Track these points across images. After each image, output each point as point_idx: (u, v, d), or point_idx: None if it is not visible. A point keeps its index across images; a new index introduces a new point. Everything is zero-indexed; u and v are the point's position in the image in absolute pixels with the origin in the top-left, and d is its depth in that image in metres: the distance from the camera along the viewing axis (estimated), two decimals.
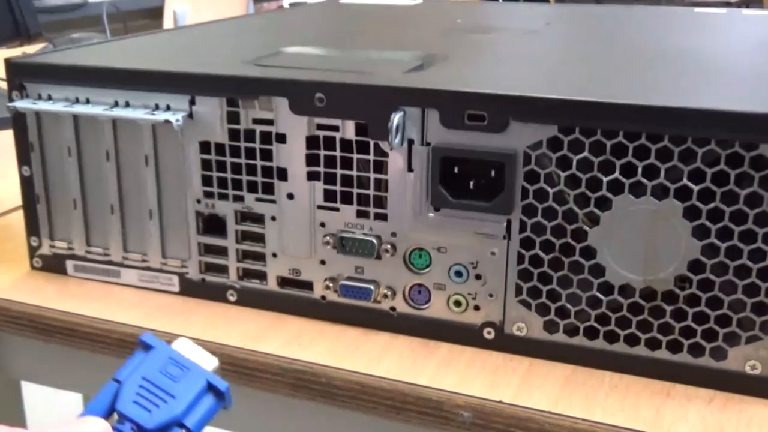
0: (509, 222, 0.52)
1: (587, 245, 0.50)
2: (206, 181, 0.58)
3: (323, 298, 0.58)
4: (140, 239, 0.62)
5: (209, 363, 0.39)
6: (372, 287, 0.56)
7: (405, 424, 0.51)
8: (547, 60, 0.65)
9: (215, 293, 0.61)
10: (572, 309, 0.52)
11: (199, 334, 0.56)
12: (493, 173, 0.51)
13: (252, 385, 0.54)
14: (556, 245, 0.51)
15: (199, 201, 0.59)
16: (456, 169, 0.52)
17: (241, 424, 0.59)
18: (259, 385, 0.54)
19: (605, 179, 0.48)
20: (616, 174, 0.48)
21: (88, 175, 0.62)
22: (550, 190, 0.50)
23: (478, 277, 0.54)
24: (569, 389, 0.50)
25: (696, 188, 0.47)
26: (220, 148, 0.57)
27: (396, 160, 0.53)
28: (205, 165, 0.58)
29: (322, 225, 0.56)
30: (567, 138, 0.49)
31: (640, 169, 0.48)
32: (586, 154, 0.49)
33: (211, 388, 0.38)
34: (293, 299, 0.59)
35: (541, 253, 0.51)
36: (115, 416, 0.36)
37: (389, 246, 0.55)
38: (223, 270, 0.60)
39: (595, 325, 0.52)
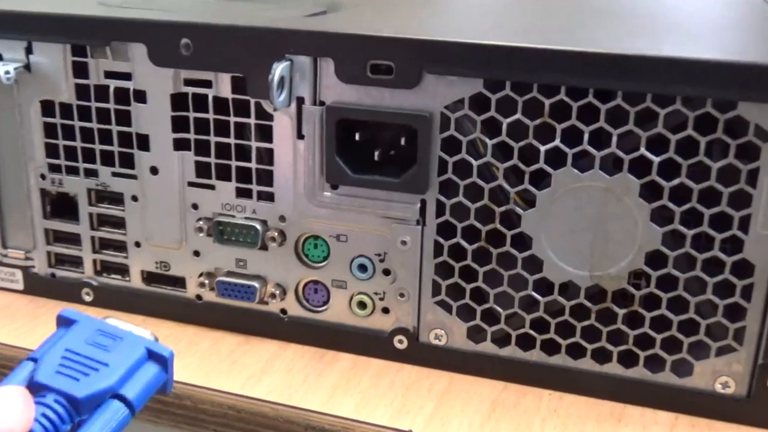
0: (424, 203, 0.41)
1: (521, 232, 0.40)
2: (51, 151, 0.47)
3: (198, 297, 0.47)
4: None
5: (144, 334, 0.32)
6: (257, 285, 0.45)
7: None
8: (482, 8, 0.55)
9: (67, 292, 0.49)
10: (502, 313, 0.42)
11: None
12: (403, 141, 0.41)
13: None
14: (482, 233, 0.40)
15: (43, 176, 0.47)
16: (357, 136, 0.41)
17: None
18: None
19: (543, 149, 0.38)
20: (557, 142, 0.38)
21: None
22: (475, 163, 0.39)
23: (386, 272, 0.43)
24: (498, 413, 0.40)
25: (657, 160, 0.37)
26: (66, 110, 0.46)
27: (282, 125, 0.42)
28: (49, 131, 0.46)
29: (195, 207, 0.45)
30: (495, 95, 0.38)
31: (586, 136, 0.37)
32: (519, 116, 0.38)
33: (151, 356, 0.31)
34: (161, 299, 0.47)
35: (464, 243, 0.41)
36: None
37: (277, 233, 0.44)
38: (76, 263, 0.49)
39: (531, 332, 0.41)
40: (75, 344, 0.30)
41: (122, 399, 0.29)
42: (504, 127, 0.38)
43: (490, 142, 0.39)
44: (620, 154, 0.37)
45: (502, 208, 0.40)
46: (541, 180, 0.39)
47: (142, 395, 0.30)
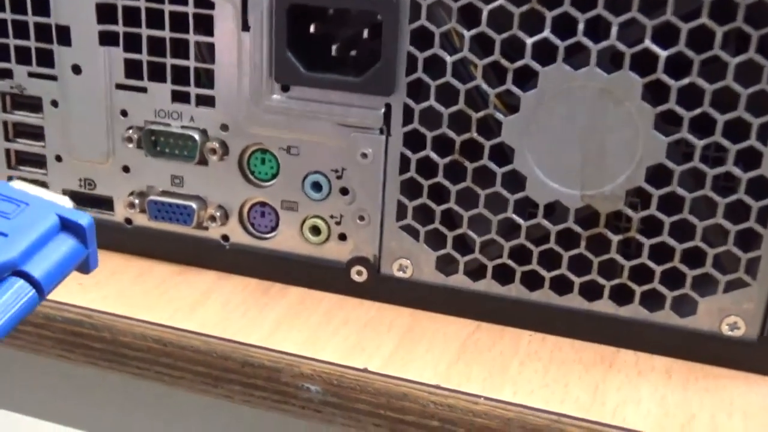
0: (388, 108, 0.35)
1: (501, 143, 0.34)
2: None
3: (127, 221, 0.41)
4: None
5: (59, 201, 0.26)
6: (194, 206, 0.39)
7: (226, 401, 0.35)
8: None
9: None
10: (477, 240, 0.36)
11: None
12: (365, 33, 0.35)
13: (6, 342, 0.37)
14: (455, 143, 0.35)
15: None
16: (312, 28, 0.35)
17: None
18: (16, 342, 0.37)
19: (529, 41, 0.32)
20: (546, 33, 0.32)
21: None
22: (449, 59, 0.33)
23: (343, 191, 0.37)
24: (468, 355, 0.34)
25: (664, 54, 0.31)
26: None
27: (225, 14, 0.36)
28: None
29: (124, 114, 0.39)
30: None
31: (581, 26, 0.32)
32: (502, 1, 0.32)
33: (65, 226, 0.25)
34: None
35: (434, 156, 0.35)
36: None
37: (218, 145, 0.38)
38: None
39: (510, 263, 0.36)
40: None
41: (26, 277, 0.24)
42: (484, 15, 0.32)
43: (467, 34, 0.33)
44: (621, 47, 0.31)
45: (480, 114, 0.34)
46: (526, 80, 0.33)
47: (53, 274, 0.24)
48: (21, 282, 0.24)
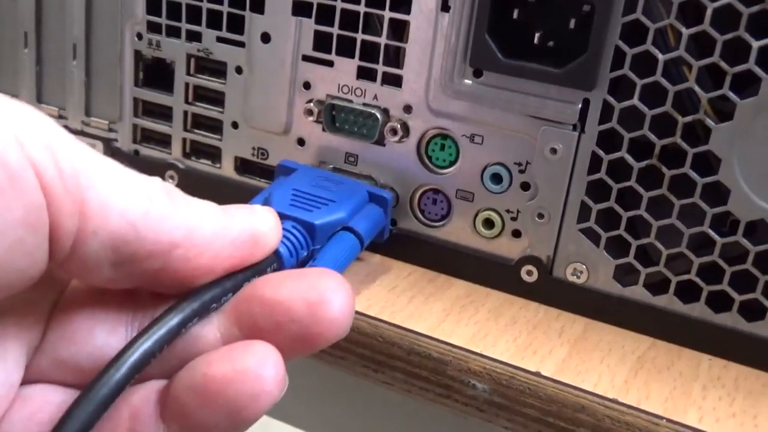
0: (586, 103, 0.33)
1: (707, 151, 0.32)
2: (153, 6, 0.41)
3: None
4: (59, 87, 0.44)
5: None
6: None
7: (385, 388, 0.34)
8: None
9: (149, 172, 0.42)
10: (664, 252, 0.34)
11: None
12: (572, 23, 0.33)
13: None
14: (655, 147, 0.33)
15: (140, 36, 0.41)
16: (516, 13, 0.34)
17: None
18: None
19: (756, 44, 0.30)
20: None
21: None
22: (661, 57, 0.31)
23: (525, 186, 0.35)
24: (646, 372, 0.32)
25: None
26: None
27: None
28: None
29: (306, 86, 0.38)
30: None
31: None
32: (730, 0, 0.30)
33: (372, 198, 0.35)
34: (252, 192, 0.40)
35: (630, 158, 0.33)
36: None
37: (399, 126, 0.37)
38: (164, 141, 0.43)
39: (697, 280, 0.33)
40: (301, 185, 0.33)
41: (353, 231, 0.32)
42: (708, 12, 0.30)
43: (685, 32, 0.31)
44: None
45: (688, 119, 0.32)
46: (746, 86, 0.31)
47: (369, 230, 0.33)
48: (350, 234, 0.32)
